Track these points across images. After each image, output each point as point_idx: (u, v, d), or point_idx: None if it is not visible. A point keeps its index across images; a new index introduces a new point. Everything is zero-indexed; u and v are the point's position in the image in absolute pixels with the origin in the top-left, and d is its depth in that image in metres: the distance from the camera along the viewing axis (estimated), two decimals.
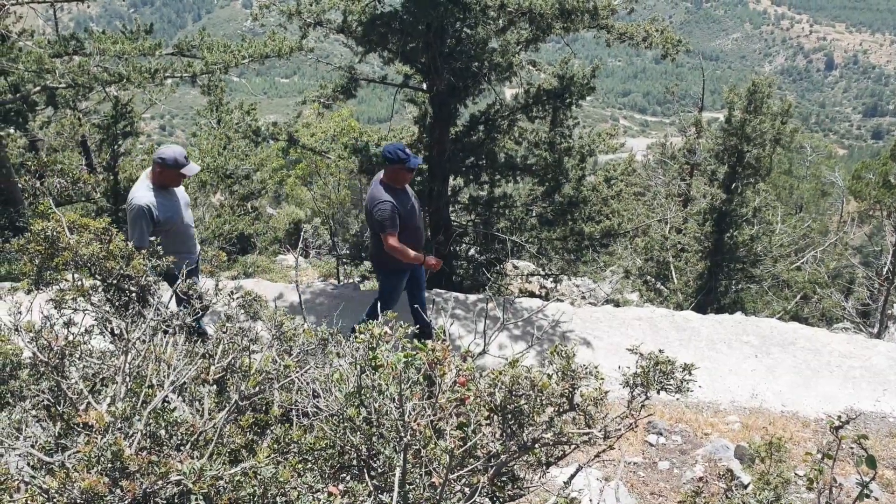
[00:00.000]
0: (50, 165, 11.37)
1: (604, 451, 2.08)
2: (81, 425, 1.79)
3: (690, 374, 2.04)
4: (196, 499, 1.57)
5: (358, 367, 1.94)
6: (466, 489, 1.86)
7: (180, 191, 4.73)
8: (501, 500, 1.97)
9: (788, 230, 14.62)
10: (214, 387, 2.14)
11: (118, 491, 1.53)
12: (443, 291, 7.60)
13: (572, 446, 2.00)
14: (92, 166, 13.01)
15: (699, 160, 14.25)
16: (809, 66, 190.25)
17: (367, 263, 14.34)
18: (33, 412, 1.95)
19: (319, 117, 17.90)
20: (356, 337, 2.01)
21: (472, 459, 1.86)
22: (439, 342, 1.94)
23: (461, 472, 1.84)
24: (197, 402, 2.07)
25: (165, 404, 1.97)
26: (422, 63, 7.58)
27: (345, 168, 11.28)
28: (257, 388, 2.11)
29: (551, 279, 11.10)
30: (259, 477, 1.66)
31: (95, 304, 2.52)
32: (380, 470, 1.88)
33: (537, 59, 8.77)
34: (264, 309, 2.64)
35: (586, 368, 2.02)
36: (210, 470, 1.60)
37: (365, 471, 1.91)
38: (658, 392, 2.07)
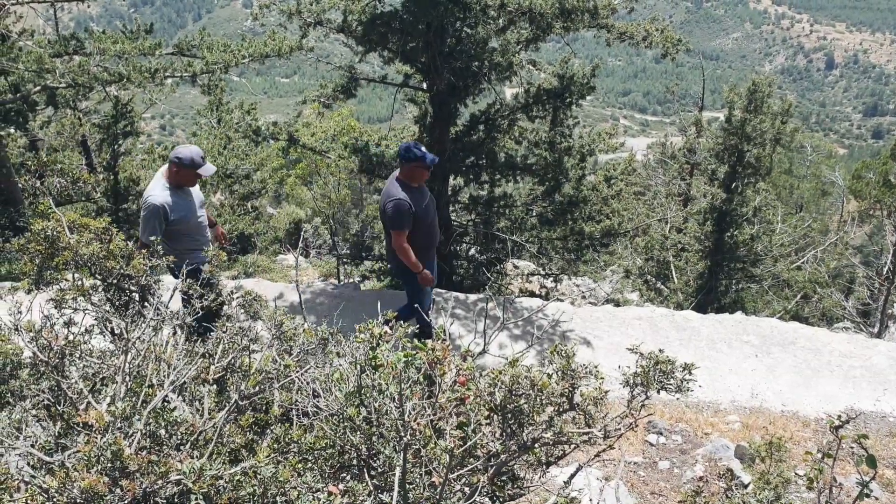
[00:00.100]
0: (50, 165, 11.38)
1: (604, 450, 2.08)
2: (81, 425, 1.79)
3: (690, 373, 2.04)
4: (196, 498, 1.57)
5: (358, 366, 1.94)
6: (466, 489, 1.86)
7: (195, 190, 4.70)
8: (501, 499, 1.97)
9: (789, 230, 14.62)
10: (214, 386, 2.14)
11: (118, 490, 1.53)
12: (443, 291, 7.60)
13: (572, 446, 2.00)
14: (92, 166, 13.02)
15: (699, 160, 14.25)
16: (810, 66, 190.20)
17: (368, 263, 14.34)
18: (33, 412, 1.95)
19: (320, 117, 17.89)
20: (356, 336, 2.01)
21: (471, 459, 1.86)
22: (439, 342, 1.94)
23: (461, 471, 1.84)
24: (197, 402, 2.07)
25: (165, 404, 1.97)
26: (422, 62, 7.58)
27: (345, 168, 11.28)
28: (257, 388, 2.11)
29: (551, 279, 11.11)
30: (259, 476, 1.66)
31: (95, 304, 2.52)
32: (380, 469, 1.88)
33: (537, 58, 8.77)
34: (264, 308, 2.64)
35: (586, 368, 2.02)
36: (210, 469, 1.60)
37: (365, 470, 1.91)
38: (658, 392, 2.07)
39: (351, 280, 14.15)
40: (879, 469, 4.24)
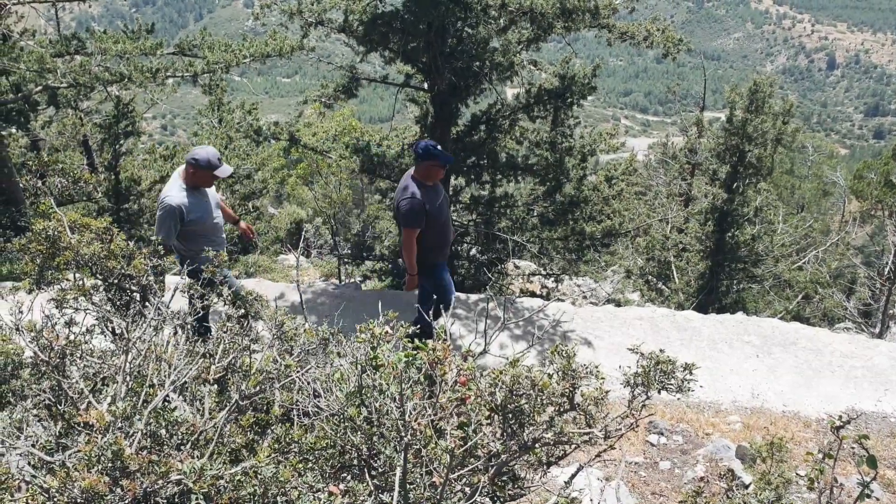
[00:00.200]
0: (51, 165, 11.39)
1: (605, 450, 2.08)
2: (82, 425, 1.80)
3: (691, 373, 2.04)
4: (196, 498, 1.57)
5: (359, 366, 1.94)
6: (467, 489, 1.86)
7: (211, 190, 4.73)
8: (502, 499, 1.96)
9: (790, 230, 14.61)
10: (215, 386, 2.14)
11: (118, 490, 1.53)
12: None
13: (573, 446, 1.99)
14: (93, 166, 13.04)
15: (700, 160, 14.25)
16: (811, 66, 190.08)
17: (369, 263, 14.35)
18: (34, 411, 1.96)
19: (321, 117, 17.91)
20: (357, 336, 2.01)
21: (472, 459, 1.86)
22: (440, 342, 1.94)
23: (462, 471, 1.83)
24: (197, 402, 2.07)
25: (166, 404, 1.97)
26: (423, 62, 7.58)
27: (346, 168, 11.28)
28: (258, 388, 2.11)
29: (552, 279, 11.12)
30: (259, 476, 1.66)
31: (96, 304, 2.52)
32: (380, 469, 1.88)
33: (538, 58, 8.77)
34: (265, 308, 2.64)
35: (587, 368, 2.02)
36: (210, 469, 1.60)
37: (366, 470, 1.91)
38: (659, 392, 2.07)
39: (352, 280, 14.15)
40: (880, 469, 4.23)
